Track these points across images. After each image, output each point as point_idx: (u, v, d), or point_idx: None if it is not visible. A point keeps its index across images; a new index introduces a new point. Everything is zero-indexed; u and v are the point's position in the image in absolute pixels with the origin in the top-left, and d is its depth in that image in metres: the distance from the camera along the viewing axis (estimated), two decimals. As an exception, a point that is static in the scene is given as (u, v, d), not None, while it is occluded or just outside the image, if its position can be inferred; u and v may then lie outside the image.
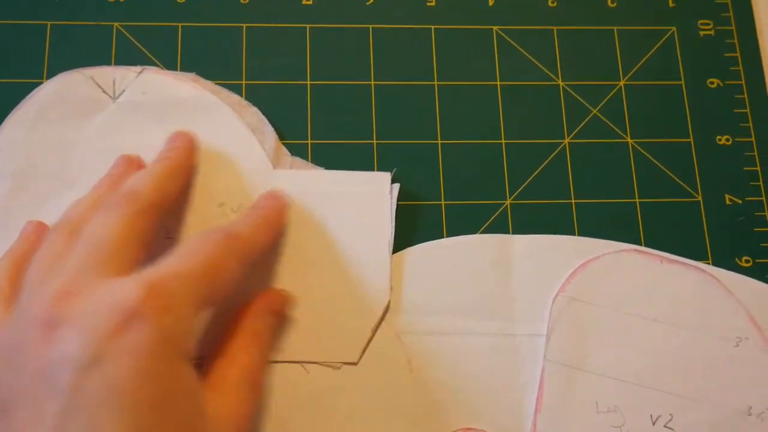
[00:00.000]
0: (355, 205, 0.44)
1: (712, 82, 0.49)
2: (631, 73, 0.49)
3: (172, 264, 0.32)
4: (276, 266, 0.42)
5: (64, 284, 0.31)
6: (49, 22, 0.47)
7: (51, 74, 0.46)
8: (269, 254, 0.42)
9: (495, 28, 0.49)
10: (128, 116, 0.44)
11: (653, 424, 0.42)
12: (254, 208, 0.40)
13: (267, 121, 0.45)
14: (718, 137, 0.48)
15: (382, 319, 0.42)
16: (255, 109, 0.45)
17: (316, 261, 0.43)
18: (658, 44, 0.50)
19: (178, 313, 0.31)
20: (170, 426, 0.29)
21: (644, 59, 0.49)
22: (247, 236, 0.37)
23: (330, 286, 0.42)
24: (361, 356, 0.42)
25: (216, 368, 0.35)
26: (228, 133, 0.44)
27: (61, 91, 0.45)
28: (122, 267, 0.32)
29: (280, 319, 0.40)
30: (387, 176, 0.44)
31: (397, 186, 0.44)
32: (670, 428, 0.42)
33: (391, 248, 0.43)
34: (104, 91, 0.44)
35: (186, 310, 0.31)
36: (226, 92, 0.46)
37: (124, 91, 0.45)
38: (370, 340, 0.42)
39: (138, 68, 0.45)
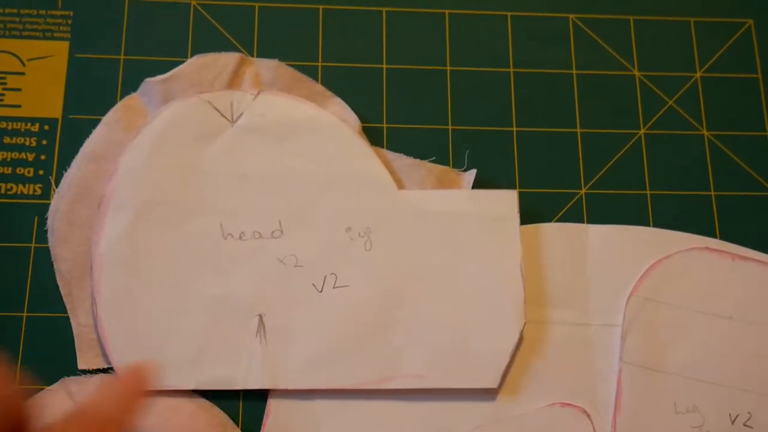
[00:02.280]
0: (483, 224, 0.43)
1: (787, 76, 0.49)
2: (708, 65, 0.49)
3: None
4: (409, 288, 0.42)
5: None
6: (126, -1, 0.47)
7: (129, 51, 0.46)
8: (401, 278, 0.42)
9: (571, 16, 0.49)
10: (248, 139, 0.44)
11: (732, 423, 0.42)
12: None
13: (350, 110, 0.45)
14: (794, 132, 0.48)
15: (519, 342, 0.42)
16: (338, 99, 0.45)
17: (447, 282, 0.42)
18: (735, 37, 0.49)
19: None
20: None
21: (720, 52, 0.49)
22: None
23: (463, 308, 0.42)
24: (501, 381, 0.41)
25: None
26: (349, 153, 0.44)
27: (179, 117, 0.44)
28: None
29: None
30: (514, 195, 0.43)
31: (473, 171, 0.44)
32: (749, 426, 0.42)
33: (523, 268, 0.42)
34: (222, 115, 0.44)
35: None
36: (309, 81, 0.45)
37: (242, 114, 0.44)
38: (509, 365, 0.41)
39: (255, 91, 0.44)
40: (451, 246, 0.43)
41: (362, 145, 0.44)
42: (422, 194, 0.44)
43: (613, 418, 0.41)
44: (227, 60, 0.45)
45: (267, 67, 0.45)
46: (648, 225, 0.45)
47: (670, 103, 0.48)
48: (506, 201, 0.43)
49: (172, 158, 0.43)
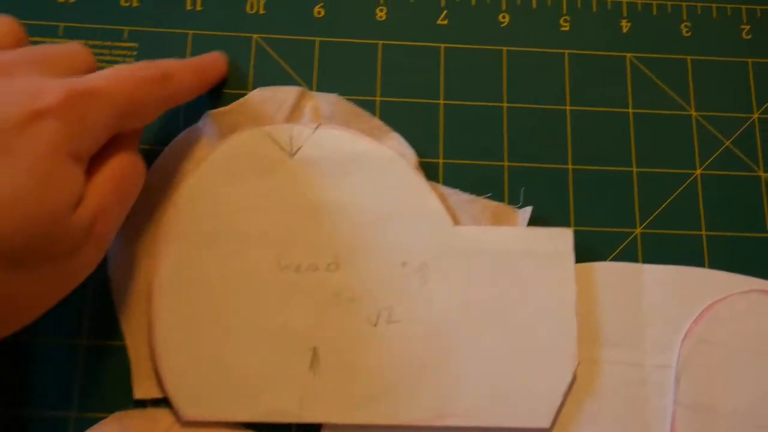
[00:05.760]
0: (538, 262, 0.43)
1: None
2: (766, 106, 0.48)
3: (101, 81, 0.35)
4: (463, 324, 0.42)
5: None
6: (190, 32, 0.48)
7: (191, 83, 0.47)
8: (455, 314, 0.42)
9: (628, 55, 0.49)
10: (306, 172, 0.44)
11: (790, 468, 0.41)
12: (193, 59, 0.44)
13: (408, 145, 0.45)
14: None
15: (572, 382, 0.42)
16: (396, 134, 0.45)
17: (501, 319, 0.42)
18: (793, 78, 0.49)
19: (89, 125, 0.34)
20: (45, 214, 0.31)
21: (779, 93, 0.49)
22: (177, 79, 0.40)
23: (517, 346, 0.42)
24: (553, 421, 0.41)
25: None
26: (406, 187, 0.44)
27: (239, 149, 0.44)
28: (58, 73, 0.35)
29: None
30: (569, 233, 0.43)
31: (529, 209, 0.44)
32: (803, 471, 0.41)
33: (575, 307, 0.42)
34: (282, 148, 0.44)
35: (96, 126, 0.34)
36: (367, 116, 0.46)
37: (301, 147, 0.44)
38: (562, 405, 0.41)
39: (314, 124, 0.45)
40: (505, 283, 0.43)
41: (419, 180, 0.44)
42: (478, 230, 0.44)
43: (668, 462, 0.41)
44: (287, 94, 0.46)
45: (326, 101, 0.46)
46: (703, 266, 0.45)
47: (727, 143, 0.48)
48: (561, 239, 0.43)
49: (232, 189, 0.44)
